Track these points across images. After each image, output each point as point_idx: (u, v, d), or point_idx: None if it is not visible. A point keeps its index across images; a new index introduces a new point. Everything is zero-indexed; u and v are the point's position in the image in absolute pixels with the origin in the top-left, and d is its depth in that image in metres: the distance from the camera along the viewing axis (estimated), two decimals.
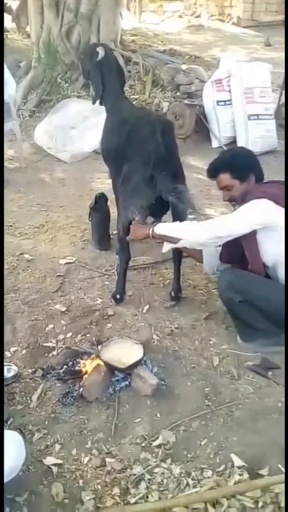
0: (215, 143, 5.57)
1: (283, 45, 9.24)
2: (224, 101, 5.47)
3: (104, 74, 3.13)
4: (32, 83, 6.65)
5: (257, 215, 2.30)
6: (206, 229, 2.41)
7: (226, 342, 2.58)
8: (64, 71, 6.73)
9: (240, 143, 5.30)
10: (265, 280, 2.43)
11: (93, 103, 3.25)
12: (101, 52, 3.11)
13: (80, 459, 1.98)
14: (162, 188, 2.52)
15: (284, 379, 2.30)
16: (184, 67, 6.39)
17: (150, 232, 2.49)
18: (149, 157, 2.55)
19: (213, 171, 2.53)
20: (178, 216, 2.66)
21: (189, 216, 3.07)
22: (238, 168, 2.46)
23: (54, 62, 6.69)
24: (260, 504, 1.76)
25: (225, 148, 5.11)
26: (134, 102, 5.47)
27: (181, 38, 10.49)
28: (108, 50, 3.21)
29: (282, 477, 1.82)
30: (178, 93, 5.83)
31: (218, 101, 5.48)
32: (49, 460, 1.96)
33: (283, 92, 5.87)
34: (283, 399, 2.20)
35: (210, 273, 2.91)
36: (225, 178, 2.48)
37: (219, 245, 2.55)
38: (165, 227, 2.50)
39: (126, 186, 2.64)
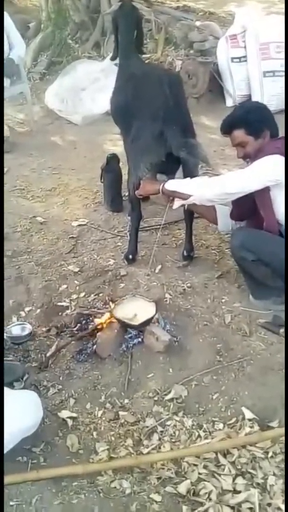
0: (229, 102, 5.43)
1: None
2: (239, 57, 5.30)
3: (119, 31, 3.07)
4: (41, 44, 6.52)
5: (269, 171, 2.25)
6: (216, 184, 2.37)
7: (238, 300, 2.58)
8: (74, 31, 6.57)
9: None
10: (278, 238, 2.39)
11: (110, 59, 3.27)
12: (113, 7, 3.06)
13: (94, 413, 2.03)
14: (172, 144, 2.46)
15: (284, 339, 2.30)
16: (198, 23, 6.16)
17: (161, 187, 2.46)
18: (157, 112, 2.49)
19: (227, 127, 2.46)
20: (190, 172, 2.62)
21: (201, 173, 3.02)
22: (253, 124, 2.38)
23: (64, 22, 6.53)
24: (270, 454, 1.79)
25: None
26: (146, 61, 5.33)
27: None
28: (126, 6, 3.13)
29: None
30: (192, 51, 5.65)
31: (232, 58, 5.31)
32: (64, 414, 2.02)
33: None
34: None
35: (225, 232, 2.88)
36: (240, 134, 2.40)
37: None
38: (176, 183, 2.46)
39: (135, 144, 2.60)
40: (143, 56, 5.18)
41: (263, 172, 2.27)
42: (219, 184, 2.38)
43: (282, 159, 2.25)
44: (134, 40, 3.09)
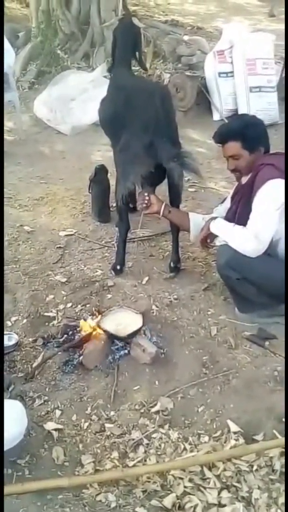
0: (216, 116, 5.50)
1: None
2: (226, 72, 5.38)
3: (116, 44, 3.12)
4: (31, 54, 6.52)
5: (280, 200, 2.26)
6: (252, 241, 2.29)
7: (224, 312, 2.60)
8: (64, 42, 6.61)
9: None
10: (263, 257, 2.35)
11: (107, 70, 3.51)
12: (112, 20, 3.13)
13: (80, 425, 2.03)
14: (163, 155, 2.48)
15: (284, 349, 2.32)
16: (186, 38, 6.25)
17: (209, 225, 2.47)
18: (148, 123, 2.52)
19: (223, 137, 2.44)
20: (175, 186, 2.64)
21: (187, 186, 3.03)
22: (250, 139, 2.38)
23: (54, 32, 6.57)
24: (255, 467, 1.81)
25: (226, 121, 5.05)
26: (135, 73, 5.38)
27: (184, 9, 10.22)
28: (125, 21, 3.19)
29: (276, 442, 1.86)
30: (180, 65, 5.73)
31: (220, 73, 5.39)
32: (50, 425, 2.01)
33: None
34: (279, 368, 2.24)
35: (194, 242, 2.83)
36: (235, 147, 2.40)
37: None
38: (221, 227, 2.43)
39: (125, 154, 2.61)
40: (133, 68, 5.28)
41: (277, 204, 2.26)
42: (254, 240, 2.29)
43: (282, 182, 2.26)
44: (131, 55, 3.14)
